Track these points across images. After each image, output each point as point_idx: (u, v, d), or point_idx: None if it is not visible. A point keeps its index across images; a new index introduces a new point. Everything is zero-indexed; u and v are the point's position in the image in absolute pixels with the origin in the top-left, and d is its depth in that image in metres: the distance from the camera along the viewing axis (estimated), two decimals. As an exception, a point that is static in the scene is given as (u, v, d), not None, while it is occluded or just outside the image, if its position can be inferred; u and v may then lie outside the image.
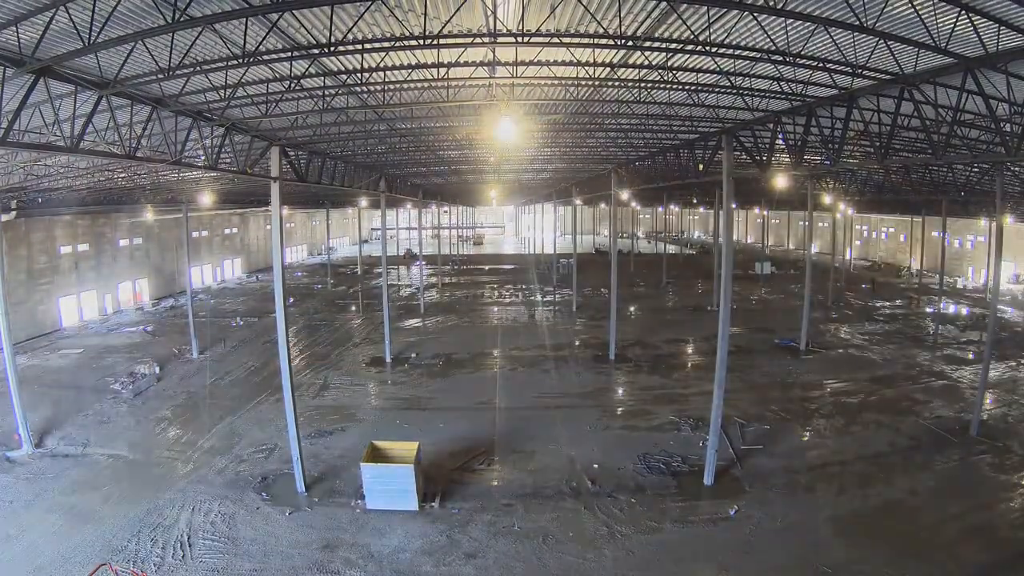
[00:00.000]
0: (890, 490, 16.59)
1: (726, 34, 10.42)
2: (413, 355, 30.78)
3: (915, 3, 8.50)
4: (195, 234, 54.17)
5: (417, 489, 15.64)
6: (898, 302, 46.14)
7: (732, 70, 12.62)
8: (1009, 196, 34.40)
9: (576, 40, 10.78)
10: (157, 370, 28.26)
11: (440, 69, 12.05)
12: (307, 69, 11.97)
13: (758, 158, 18.40)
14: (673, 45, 11.08)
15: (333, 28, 9.59)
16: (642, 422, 21.68)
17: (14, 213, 32.40)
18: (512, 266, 70.86)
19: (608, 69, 12.80)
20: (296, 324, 37.90)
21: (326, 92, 13.78)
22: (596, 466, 18.12)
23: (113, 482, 17.28)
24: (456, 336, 35.15)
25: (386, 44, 10.69)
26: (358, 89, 13.97)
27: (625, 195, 46.84)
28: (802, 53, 10.74)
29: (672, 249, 79.50)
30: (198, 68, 10.75)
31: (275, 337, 17.10)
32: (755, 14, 8.94)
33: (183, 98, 13.00)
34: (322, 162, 24.17)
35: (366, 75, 12.82)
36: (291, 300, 41.17)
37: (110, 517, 15.33)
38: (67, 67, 10.40)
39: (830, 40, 10.20)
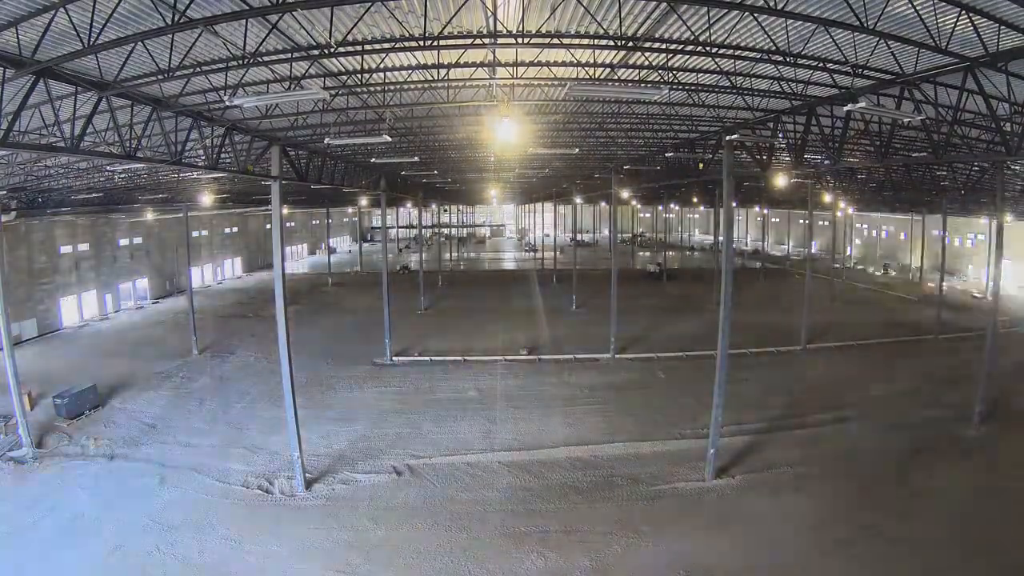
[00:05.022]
0: (877, 486, 16.74)
1: (726, 35, 10.42)
2: (415, 355, 30.78)
3: (915, 3, 8.50)
4: (195, 233, 54.15)
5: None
6: (898, 299, 46.19)
7: (732, 70, 12.62)
8: (1009, 195, 34.36)
9: (576, 41, 10.78)
10: (157, 370, 28.25)
11: (440, 70, 12.06)
12: (307, 70, 11.97)
13: (758, 157, 18.41)
14: (673, 46, 11.08)
15: (333, 29, 9.60)
16: (644, 418, 21.73)
17: (14, 214, 32.40)
18: (511, 266, 70.94)
19: (608, 70, 12.80)
20: (296, 324, 37.89)
21: (327, 92, 13.78)
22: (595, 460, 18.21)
23: (114, 483, 17.29)
24: (456, 334, 35.12)
25: (386, 45, 10.70)
26: (358, 90, 13.97)
27: (625, 194, 46.89)
28: (802, 53, 10.74)
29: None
30: (198, 69, 10.77)
31: (275, 336, 17.06)
32: (756, 15, 8.94)
33: (183, 99, 13.00)
34: (322, 161, 24.17)
35: (366, 76, 12.82)
36: (291, 301, 41.10)
37: (110, 518, 15.36)
38: (67, 68, 10.40)
39: (830, 40, 10.20)
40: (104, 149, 13.65)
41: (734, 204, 22.44)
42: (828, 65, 11.14)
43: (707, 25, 9.78)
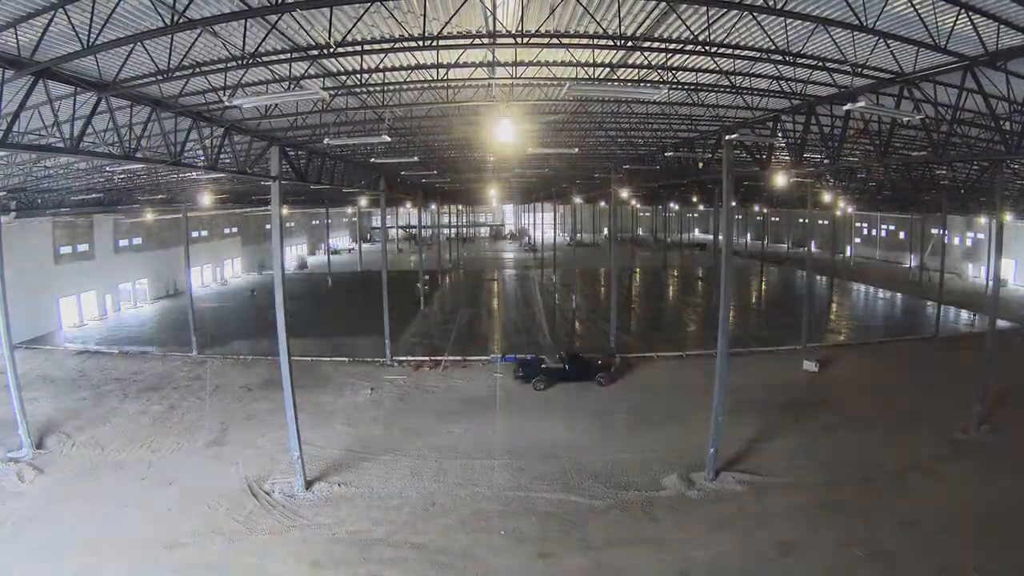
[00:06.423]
0: (877, 486, 16.75)
1: (726, 34, 10.42)
2: (415, 355, 30.74)
3: (915, 3, 8.50)
4: (194, 234, 54.06)
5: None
6: (898, 298, 46.24)
7: (732, 70, 12.63)
8: (1009, 194, 34.38)
9: (575, 40, 10.77)
10: (157, 370, 28.23)
11: (439, 70, 12.04)
12: (307, 70, 11.97)
13: (758, 156, 18.42)
14: (673, 45, 11.08)
15: (332, 30, 9.59)
16: (644, 417, 21.74)
17: (14, 214, 32.36)
18: (511, 266, 70.99)
19: (608, 69, 12.80)
20: (296, 324, 37.79)
21: (326, 92, 13.78)
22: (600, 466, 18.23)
23: (113, 483, 17.27)
24: (455, 334, 35.07)
25: (385, 45, 10.70)
26: (358, 90, 13.97)
27: (625, 193, 46.92)
28: (802, 52, 10.74)
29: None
30: (197, 70, 10.77)
31: (274, 337, 17.04)
32: (755, 14, 8.94)
33: (182, 99, 13.00)
34: (322, 161, 24.17)
35: (365, 76, 12.82)
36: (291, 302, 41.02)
37: (110, 518, 15.35)
38: (66, 69, 10.40)
39: (830, 39, 10.20)
40: (103, 150, 13.63)
41: (733, 203, 22.46)
42: (827, 64, 11.14)
43: (706, 25, 9.78)
